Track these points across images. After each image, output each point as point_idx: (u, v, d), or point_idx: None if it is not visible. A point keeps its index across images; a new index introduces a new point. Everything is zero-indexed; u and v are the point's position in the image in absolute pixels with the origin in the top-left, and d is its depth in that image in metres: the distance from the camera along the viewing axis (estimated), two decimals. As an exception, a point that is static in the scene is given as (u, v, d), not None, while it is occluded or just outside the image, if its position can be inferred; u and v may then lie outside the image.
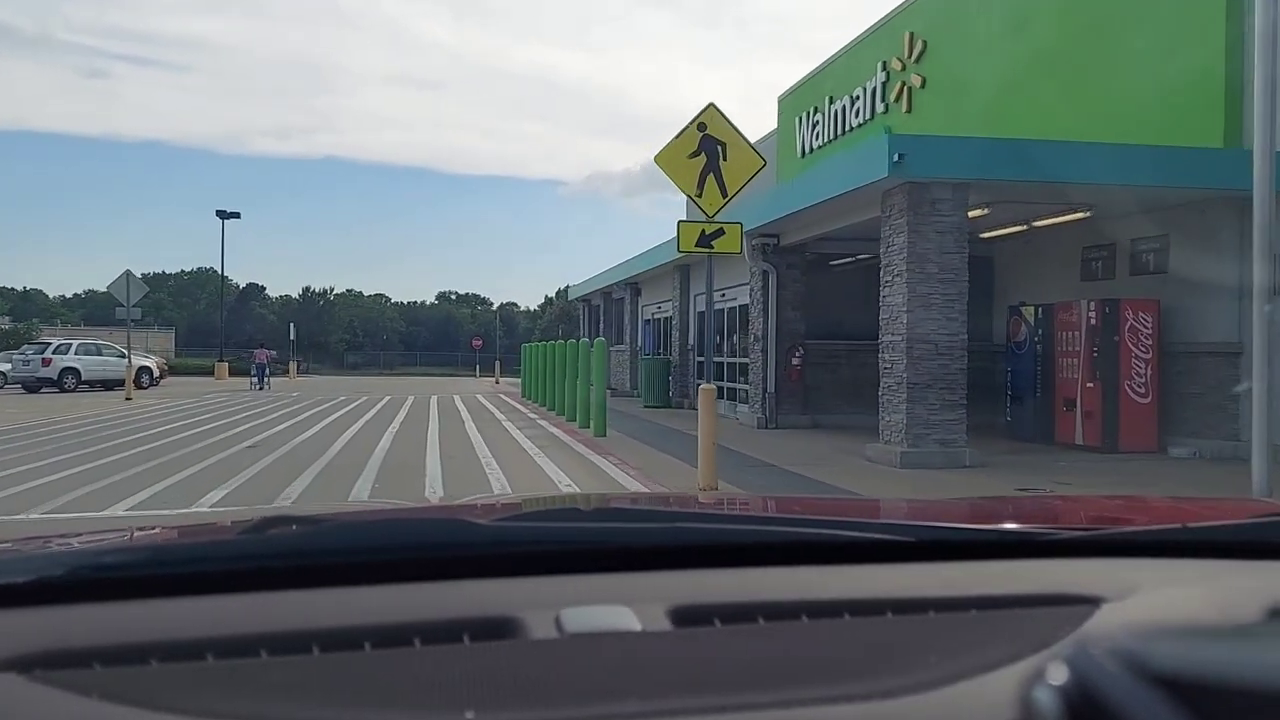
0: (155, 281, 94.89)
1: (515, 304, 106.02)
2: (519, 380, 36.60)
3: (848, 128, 19.79)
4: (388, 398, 26.56)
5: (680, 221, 9.30)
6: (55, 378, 30.01)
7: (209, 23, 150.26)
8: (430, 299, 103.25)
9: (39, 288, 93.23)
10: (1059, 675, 0.49)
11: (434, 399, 25.53)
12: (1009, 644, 0.81)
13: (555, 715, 0.71)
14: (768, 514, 1.64)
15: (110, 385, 30.21)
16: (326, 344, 73.31)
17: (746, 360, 17.58)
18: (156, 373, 34.19)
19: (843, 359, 16.24)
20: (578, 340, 19.06)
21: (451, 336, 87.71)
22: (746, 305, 17.55)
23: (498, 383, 40.67)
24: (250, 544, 1.05)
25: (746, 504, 2.37)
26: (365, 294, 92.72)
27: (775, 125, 23.39)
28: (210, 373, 44.62)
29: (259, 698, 0.74)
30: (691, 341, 21.83)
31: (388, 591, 0.93)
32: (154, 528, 1.63)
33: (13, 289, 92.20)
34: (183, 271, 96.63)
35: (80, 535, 1.28)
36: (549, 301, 76.12)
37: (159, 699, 0.73)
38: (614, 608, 0.89)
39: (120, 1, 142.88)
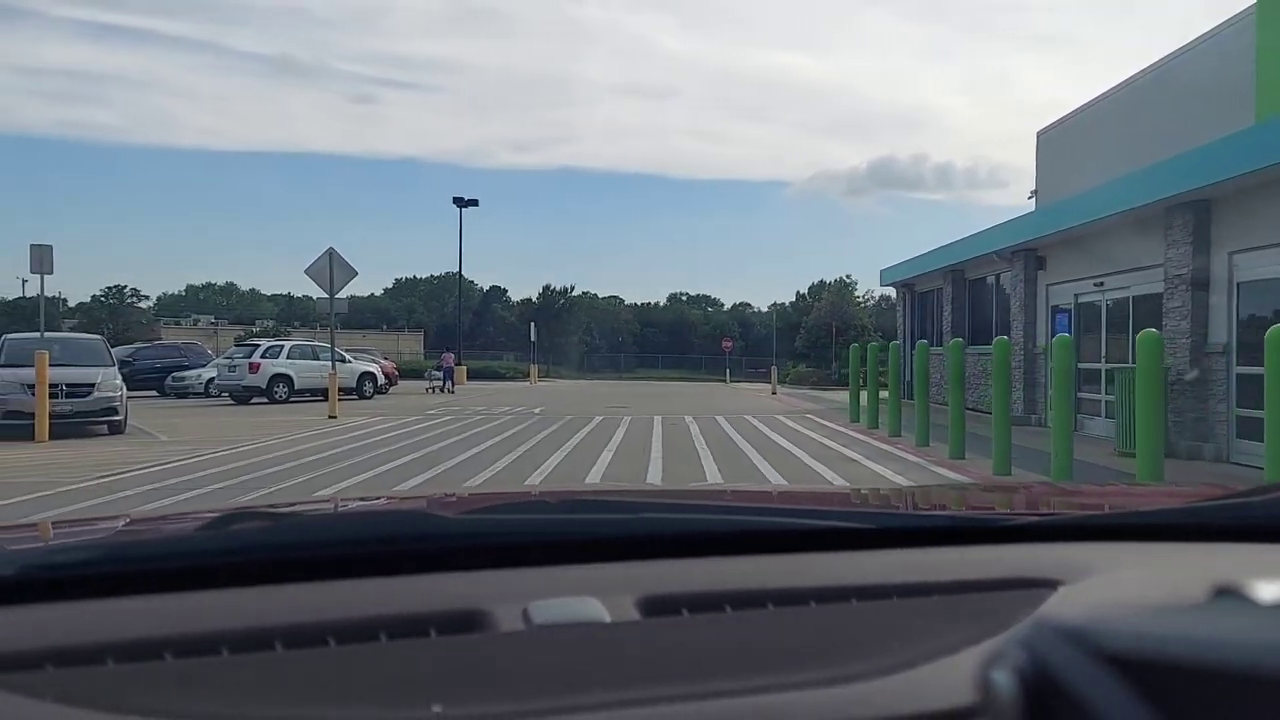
0: (408, 286, 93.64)
1: (748, 304, 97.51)
2: (802, 391, 27.28)
3: None
4: (627, 422, 17.67)
5: None
6: (264, 386, 23.34)
7: (459, 45, 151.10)
8: (662, 300, 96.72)
9: (307, 294, 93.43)
10: (1016, 656, 0.48)
11: (726, 438, 16.08)
12: (969, 627, 0.80)
13: (524, 707, 0.68)
14: (734, 504, 1.55)
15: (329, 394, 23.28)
16: (566, 346, 66.75)
17: None
18: (382, 379, 27.19)
19: None
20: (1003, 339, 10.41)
21: (685, 337, 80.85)
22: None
23: (775, 393, 31.13)
24: (209, 540, 1.01)
25: (713, 494, 2.29)
26: (600, 296, 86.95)
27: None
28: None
29: (220, 697, 0.70)
30: (1223, 339, 11.42)
31: (352, 586, 0.87)
32: (113, 524, 1.37)
33: (284, 295, 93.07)
34: (432, 276, 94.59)
35: (33, 532, 1.19)
36: (802, 298, 66.03)
37: (117, 700, 0.69)
38: (582, 599, 0.85)
39: (383, 29, 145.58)
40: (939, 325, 21.65)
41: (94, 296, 70.20)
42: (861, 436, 14.53)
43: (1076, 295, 15.38)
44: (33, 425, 13.46)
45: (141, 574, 0.87)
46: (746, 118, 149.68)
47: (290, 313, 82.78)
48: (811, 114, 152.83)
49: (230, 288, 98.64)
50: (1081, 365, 14.57)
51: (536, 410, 20.79)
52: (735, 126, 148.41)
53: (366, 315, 73.50)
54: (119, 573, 0.88)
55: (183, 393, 26.44)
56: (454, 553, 0.95)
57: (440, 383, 31.06)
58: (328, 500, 2.56)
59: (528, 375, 43.50)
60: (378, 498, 2.48)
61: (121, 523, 1.38)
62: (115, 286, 70.49)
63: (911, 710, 0.67)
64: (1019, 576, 0.93)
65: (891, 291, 27.82)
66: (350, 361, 25.82)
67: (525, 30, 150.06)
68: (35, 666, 0.72)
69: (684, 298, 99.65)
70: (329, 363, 23.99)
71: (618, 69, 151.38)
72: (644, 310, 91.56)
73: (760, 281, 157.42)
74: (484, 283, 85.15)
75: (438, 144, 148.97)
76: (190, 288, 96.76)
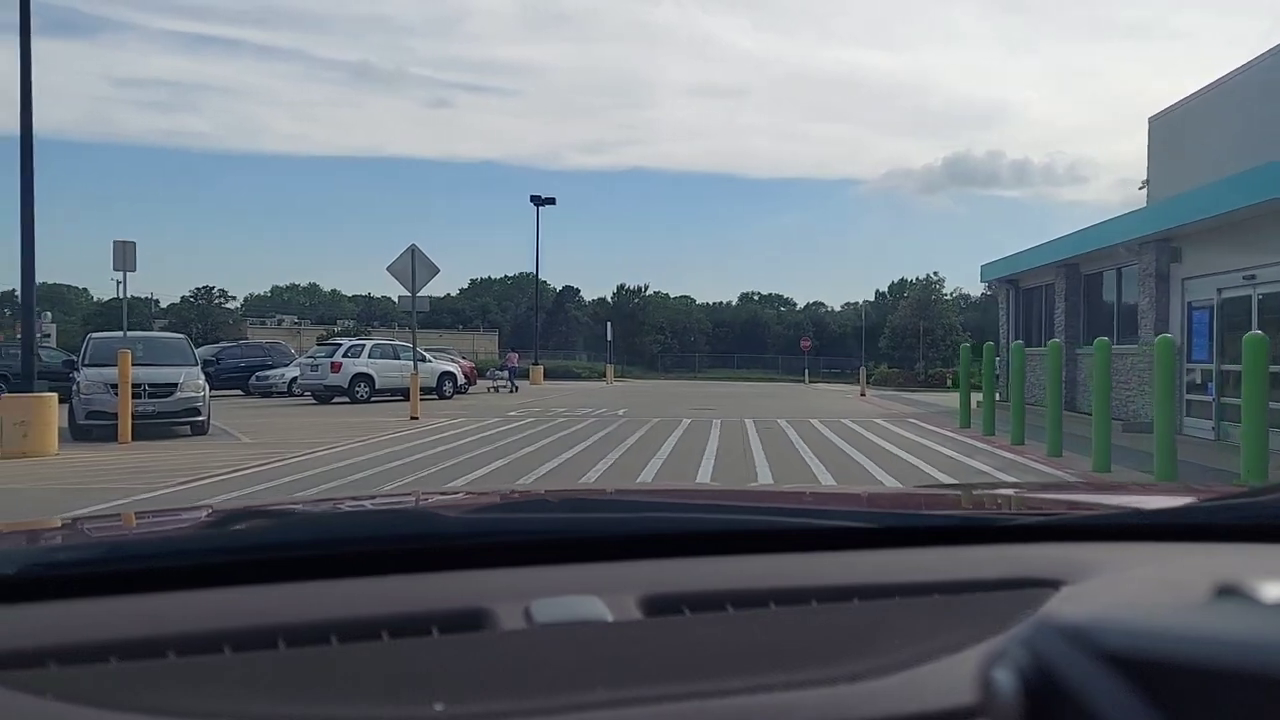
0: (482, 286, 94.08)
1: (821, 303, 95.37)
2: (890, 393, 25.88)
3: None
4: (717, 425, 16.60)
5: None
6: (346, 386, 22.91)
7: (533, 49, 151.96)
8: (734, 299, 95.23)
9: (386, 294, 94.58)
10: (1017, 656, 0.48)
11: (831, 445, 14.87)
12: (970, 627, 0.79)
13: (526, 706, 0.68)
14: (737, 503, 1.52)
15: (410, 394, 22.78)
16: (640, 346, 65.81)
17: None
18: (461, 379, 26.63)
19: None
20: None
21: (757, 337, 79.34)
22: None
23: (864, 395, 29.74)
24: (211, 538, 1.01)
25: (715, 494, 2.31)
26: (671, 295, 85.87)
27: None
28: (525, 376, 37.56)
29: (223, 695, 0.70)
30: None
31: (354, 585, 0.87)
32: (113, 523, 1.39)
33: (364, 295, 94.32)
34: (506, 276, 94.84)
35: (38, 532, 1.19)
36: (882, 297, 64.00)
37: (119, 698, 0.68)
38: (584, 598, 0.84)
39: (460, 34, 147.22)
40: (1048, 323, 20.07)
41: (183, 298, 71.78)
42: (981, 444, 13.24)
43: (1219, 290, 13.82)
44: (116, 426, 13.03)
45: (144, 572, 0.86)
46: (819, 116, 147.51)
47: (370, 312, 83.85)
48: (885, 111, 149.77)
49: (313, 288, 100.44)
50: (1226, 367, 13.04)
51: (620, 412, 19.89)
52: (807, 125, 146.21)
53: (442, 315, 73.82)
54: (121, 571, 0.87)
55: (266, 392, 26.26)
56: (456, 551, 0.93)
57: (505, 382, 30.60)
58: (330, 499, 2.52)
59: (603, 375, 42.77)
60: (381, 497, 2.34)
61: (127, 520, 1.39)
62: (204, 287, 71.95)
63: (913, 710, 0.67)
64: (1021, 576, 0.93)
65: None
66: (430, 361, 25.30)
67: (599, 33, 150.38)
68: (38, 664, 0.72)
69: (756, 297, 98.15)
70: (409, 362, 23.49)
71: (690, 69, 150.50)
72: (716, 310, 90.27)
73: (833, 281, 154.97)
74: (557, 283, 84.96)
75: (511, 147, 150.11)
76: (275, 289, 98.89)
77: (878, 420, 18.06)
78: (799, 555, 0.98)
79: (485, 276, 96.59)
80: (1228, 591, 0.54)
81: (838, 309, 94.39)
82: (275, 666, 0.74)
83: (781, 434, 14.73)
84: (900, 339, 49.34)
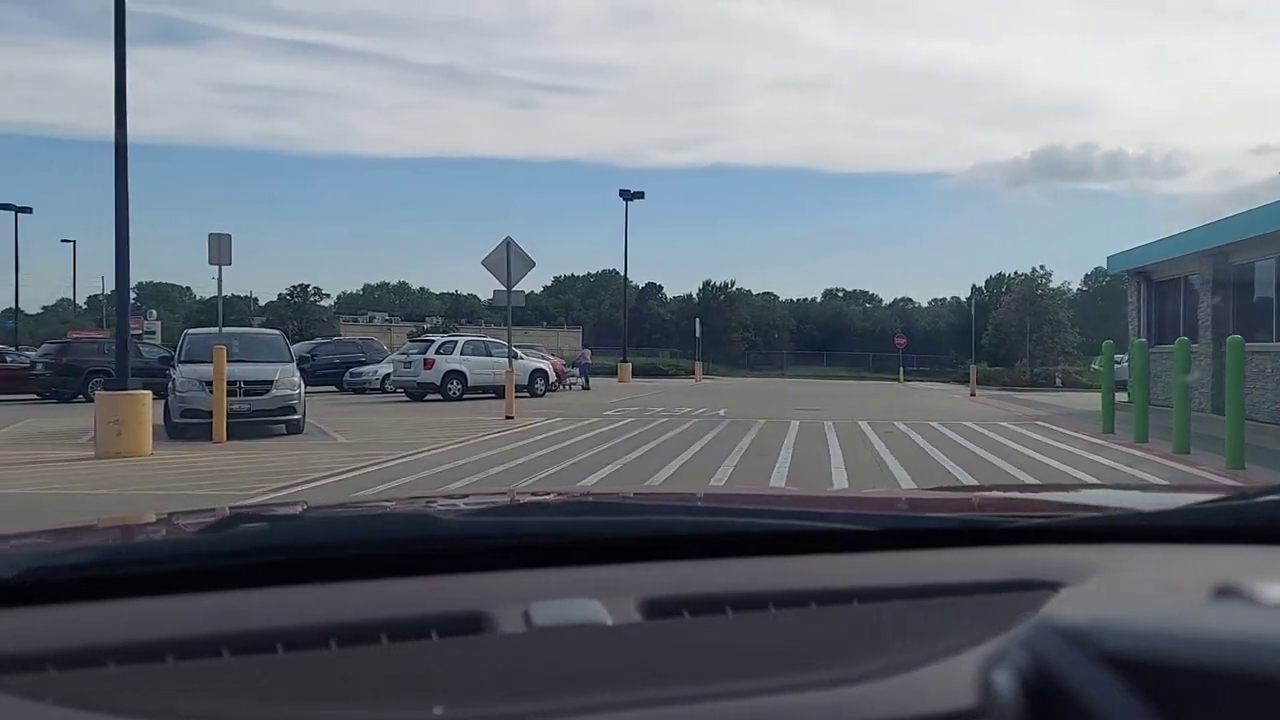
0: (566, 284, 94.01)
1: (909, 299, 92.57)
2: (997, 392, 24.10)
3: None
4: (831, 428, 15.31)
5: None
6: (438, 383, 22.32)
7: (616, 48, 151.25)
8: (818, 296, 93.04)
9: (473, 292, 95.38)
10: (1017, 658, 0.47)
11: (974, 455, 13.62)
12: (971, 629, 0.79)
13: (525, 709, 0.67)
14: (736, 506, 1.48)
15: (501, 392, 22.07)
16: (726, 342, 64.38)
17: None
18: (553, 377, 25.87)
19: None
20: None
21: (843, 334, 77.16)
22: None
23: (974, 395, 27.96)
24: (210, 542, 1.00)
25: (714, 497, 2.24)
26: (754, 292, 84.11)
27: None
28: (613, 374, 36.76)
29: (222, 699, 0.69)
30: None
31: (353, 588, 0.86)
32: (112, 526, 1.34)
33: (451, 293, 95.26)
34: (589, 274, 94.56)
35: (34, 536, 1.17)
36: (979, 291, 61.22)
37: (118, 702, 0.67)
38: (583, 601, 0.83)
39: (543, 35, 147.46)
40: (1189, 318, 18.19)
41: (280, 296, 73.32)
42: (1139, 453, 11.70)
43: None
44: (211, 425, 12.49)
45: (143, 576, 0.85)
46: (903, 109, 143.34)
47: (457, 309, 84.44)
48: (971, 103, 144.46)
49: (403, 286, 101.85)
50: None
51: (721, 411, 18.78)
52: (891, 119, 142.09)
53: (527, 312, 73.67)
54: (120, 575, 0.86)
55: (360, 388, 25.94)
56: (455, 554, 0.92)
57: (578, 380, 29.88)
58: (329, 502, 2.27)
59: (690, 373, 41.68)
60: (380, 500, 2.45)
61: (127, 524, 1.36)
62: (299, 286, 73.40)
63: (913, 712, 0.66)
64: (1021, 578, 0.92)
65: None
66: (522, 358, 24.59)
67: (680, 30, 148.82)
68: (37, 668, 0.71)
69: (840, 294, 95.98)
70: (501, 359, 22.81)
71: (771, 65, 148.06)
72: (800, 306, 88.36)
73: (920, 276, 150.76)
74: (639, 279, 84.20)
75: (593, 145, 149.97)
76: (367, 287, 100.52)
77: (1003, 423, 16.54)
78: (799, 558, 0.96)
79: (568, 274, 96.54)
80: (1227, 593, 0.53)
81: (925, 305, 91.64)
82: (274, 670, 0.73)
83: (906, 439, 13.41)
84: (1003, 336, 46.61)
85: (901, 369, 44.39)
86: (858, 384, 39.06)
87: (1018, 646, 0.48)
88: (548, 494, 2.17)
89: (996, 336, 46.55)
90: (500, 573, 0.90)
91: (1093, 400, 24.64)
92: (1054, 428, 15.53)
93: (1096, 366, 42.39)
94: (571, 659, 0.74)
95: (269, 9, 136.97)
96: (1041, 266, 50.61)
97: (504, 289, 17.28)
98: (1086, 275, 77.99)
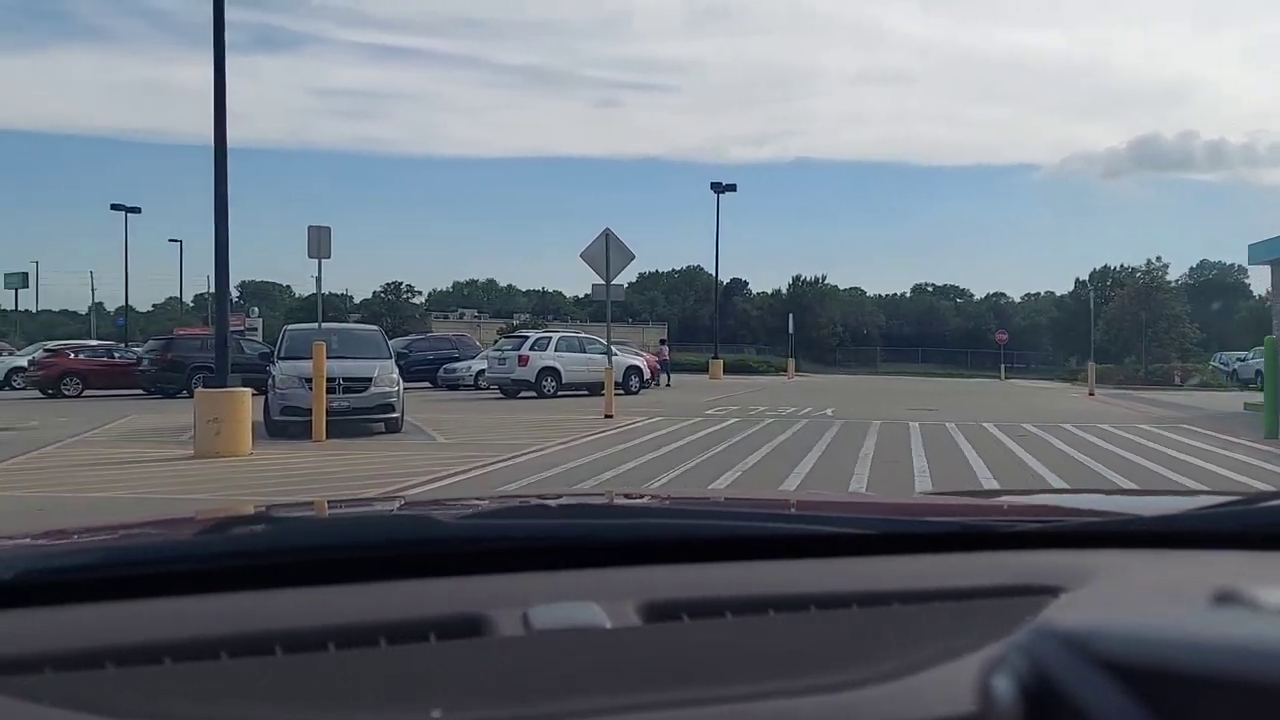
0: (650, 280, 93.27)
1: (1002, 294, 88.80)
2: (1115, 391, 22.42)
3: None
4: (954, 431, 14.06)
5: None
6: (533, 380, 21.70)
7: (696, 44, 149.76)
8: (906, 291, 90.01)
9: (558, 289, 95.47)
10: (1016, 663, 0.47)
11: (1152, 473, 12.20)
12: (970, 634, 0.78)
13: (524, 712, 0.67)
14: (735, 510, 1.47)
15: (595, 389, 21.37)
16: (817, 339, 62.61)
17: None
18: (648, 373, 25.07)
19: None
20: None
21: (934, 329, 74.58)
22: None
23: (1093, 394, 26.08)
24: (209, 543, 1.00)
25: (715, 500, 2.26)
26: (841, 288, 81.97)
27: None
28: (703, 370, 35.82)
29: (220, 701, 0.69)
30: None
31: (352, 590, 0.85)
32: (113, 529, 1.30)
33: (538, 290, 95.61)
34: (673, 270, 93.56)
35: (31, 537, 1.15)
36: (1083, 286, 57.94)
37: (116, 704, 0.67)
38: (582, 604, 0.83)
39: (626, 34, 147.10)
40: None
41: (374, 293, 74.51)
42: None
43: None
44: (309, 422, 12.01)
45: (141, 578, 0.85)
46: (991, 100, 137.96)
47: (543, 306, 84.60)
48: (1062, 93, 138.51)
49: (490, 284, 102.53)
50: None
51: (828, 411, 17.66)
52: (979, 110, 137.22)
53: (613, 309, 73.51)
54: (119, 577, 0.86)
55: (454, 385, 25.58)
56: (454, 557, 0.92)
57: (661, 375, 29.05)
58: (328, 503, 2.35)
59: (781, 369, 40.42)
60: (378, 501, 2.35)
61: (127, 525, 1.35)
62: (393, 283, 74.54)
63: (912, 717, 0.66)
64: (1021, 583, 0.92)
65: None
66: (616, 354, 23.85)
67: (760, 25, 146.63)
68: (35, 670, 0.71)
69: (930, 289, 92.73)
70: (595, 355, 22.20)
71: (854, 57, 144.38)
72: (888, 302, 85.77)
73: (1013, 271, 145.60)
74: (723, 275, 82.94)
75: (675, 142, 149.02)
76: (456, 284, 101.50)
77: (1143, 426, 15.03)
78: (798, 562, 0.96)
79: (653, 270, 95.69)
80: (1227, 598, 0.53)
81: (1018, 300, 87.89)
82: (272, 673, 0.73)
83: (1047, 445, 12.12)
84: (1116, 332, 43.78)
85: (1003, 366, 42.39)
86: (958, 382, 37.26)
87: (1017, 651, 0.47)
88: (549, 495, 2.07)
89: (1109, 332, 43.69)
90: (499, 575, 0.89)
91: (1223, 400, 22.72)
92: (1204, 431, 13.97)
93: (1219, 364, 39.89)
94: (570, 662, 0.74)
95: (362, 15, 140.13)
96: (1157, 258, 47.35)
97: (602, 282, 16.49)
98: (1191, 268, 73.40)
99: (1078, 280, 64.71)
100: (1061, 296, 70.83)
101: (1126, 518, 1.17)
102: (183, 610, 0.80)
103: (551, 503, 1.38)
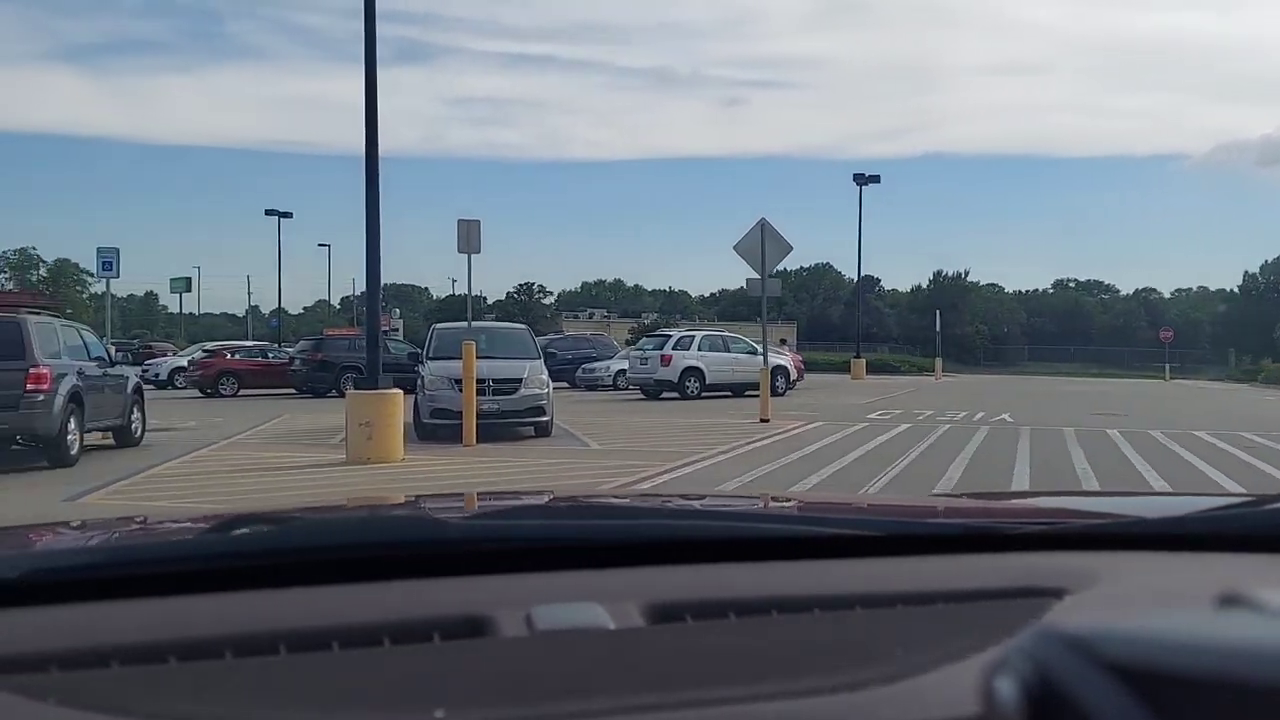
0: (777, 278, 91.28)
1: (1153, 289, 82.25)
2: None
3: None
4: (1175, 444, 12.17)
5: None
6: (676, 380, 20.69)
7: (823, 40, 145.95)
8: (1047, 287, 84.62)
9: (684, 289, 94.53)
10: (1019, 665, 0.47)
11: None
12: (973, 636, 0.78)
13: (527, 713, 0.66)
14: (740, 511, 1.51)
15: (738, 390, 20.17)
16: (961, 337, 59.28)
17: None
18: (794, 374, 23.68)
19: None
20: None
21: (1080, 327, 69.65)
22: None
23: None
24: (213, 543, 0.99)
25: (719, 501, 2.25)
26: (979, 284, 77.71)
27: None
28: (840, 369, 34.08)
29: (224, 701, 0.69)
30: None
31: (356, 590, 0.85)
32: (116, 528, 1.33)
33: (664, 290, 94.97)
34: (801, 268, 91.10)
35: (38, 535, 1.15)
36: (1252, 279, 52.84)
37: (120, 703, 0.67)
38: (585, 605, 0.82)
39: (750, 33, 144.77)
40: None
41: (508, 294, 75.38)
42: None
43: None
44: (460, 425, 11.32)
45: (145, 577, 0.85)
46: (1132, 88, 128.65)
47: (670, 305, 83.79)
48: (1209, 77, 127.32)
49: (618, 284, 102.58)
50: None
51: (1005, 417, 15.93)
52: (1119, 98, 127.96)
53: (739, 307, 71.91)
54: (123, 576, 0.86)
55: (592, 385, 24.88)
56: (457, 557, 0.92)
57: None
58: (331, 504, 2.29)
59: (924, 369, 38.15)
60: (382, 502, 2.53)
61: (130, 525, 1.33)
62: (525, 284, 75.23)
63: (915, 718, 0.66)
64: (1024, 585, 0.91)
65: None
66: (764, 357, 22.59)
67: (888, 19, 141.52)
68: (39, 669, 0.71)
69: (1072, 284, 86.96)
70: (739, 355, 21.01)
71: (985, 48, 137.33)
72: (1029, 298, 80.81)
73: (1161, 264, 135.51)
74: (853, 271, 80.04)
75: (802, 139, 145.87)
76: (585, 284, 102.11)
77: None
78: (802, 563, 0.96)
79: (781, 268, 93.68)
80: (1231, 601, 0.53)
81: (1168, 295, 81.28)
82: (276, 673, 0.73)
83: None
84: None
85: (1167, 366, 38.86)
86: (1121, 383, 34.19)
87: (1020, 653, 0.47)
88: (549, 497, 1.98)
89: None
90: (502, 576, 0.89)
91: None
92: None
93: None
94: (574, 663, 0.74)
95: (495, 25, 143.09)
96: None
97: (757, 276, 15.31)
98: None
99: (1246, 273, 59.05)
100: (1231, 291, 64.89)
101: (1130, 520, 1.17)
102: (188, 610, 0.80)
103: (555, 503, 1.36)
